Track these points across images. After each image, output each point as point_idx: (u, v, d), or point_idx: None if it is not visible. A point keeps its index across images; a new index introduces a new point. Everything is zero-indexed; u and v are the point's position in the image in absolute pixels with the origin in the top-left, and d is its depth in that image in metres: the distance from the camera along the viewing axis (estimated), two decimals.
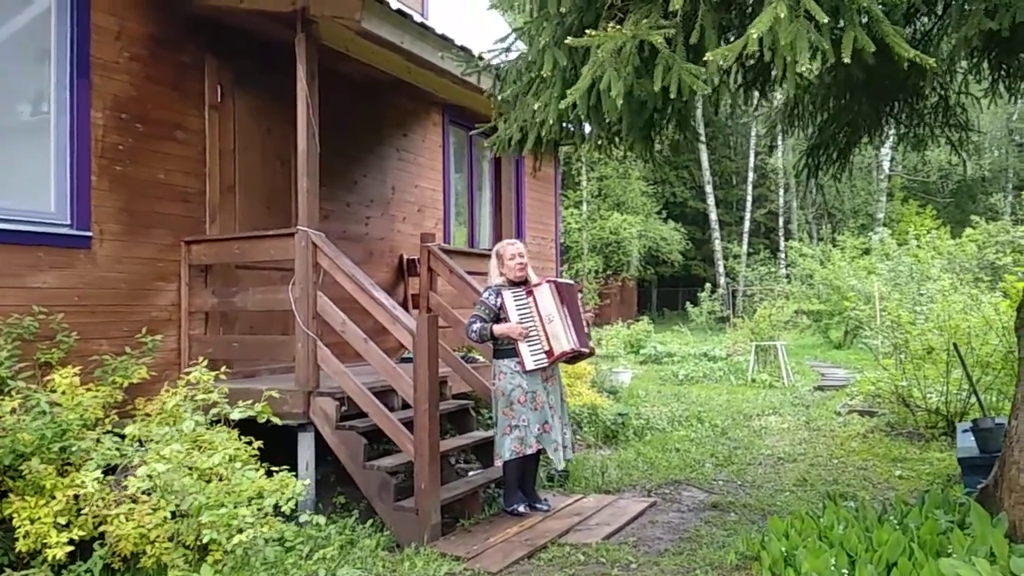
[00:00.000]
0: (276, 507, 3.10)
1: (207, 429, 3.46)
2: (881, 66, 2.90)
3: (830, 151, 4.65)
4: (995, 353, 6.69)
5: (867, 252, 19.49)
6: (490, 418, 6.40)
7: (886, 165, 29.75)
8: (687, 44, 2.07)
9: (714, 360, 13.61)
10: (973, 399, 6.80)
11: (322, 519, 3.27)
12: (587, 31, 2.16)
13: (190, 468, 3.14)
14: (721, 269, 30.63)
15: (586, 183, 28.99)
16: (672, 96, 2.08)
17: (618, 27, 2.11)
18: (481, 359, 6.34)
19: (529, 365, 4.65)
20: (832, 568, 3.11)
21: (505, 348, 4.74)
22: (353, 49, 5.26)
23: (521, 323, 4.66)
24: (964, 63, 4.92)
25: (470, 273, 6.21)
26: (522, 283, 4.89)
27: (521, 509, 4.79)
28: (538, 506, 4.93)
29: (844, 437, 7.25)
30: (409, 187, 7.57)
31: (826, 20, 1.81)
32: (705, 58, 1.95)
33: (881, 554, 3.21)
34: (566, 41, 2.19)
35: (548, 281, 4.87)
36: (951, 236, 19.18)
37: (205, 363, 4.07)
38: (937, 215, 29.32)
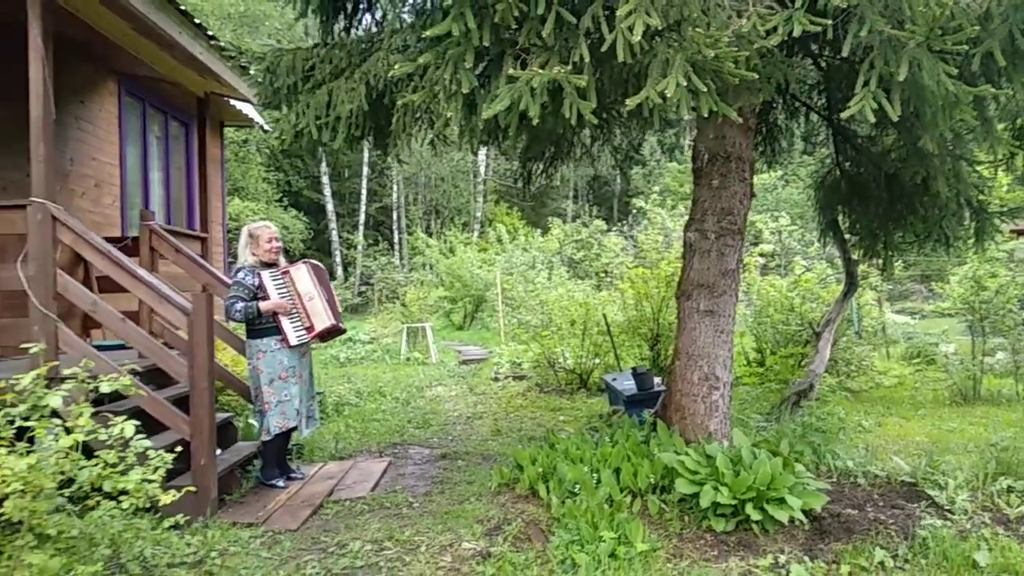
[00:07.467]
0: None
1: None
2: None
3: (538, 163, 5.83)
4: (613, 323, 8.78)
5: (482, 250, 22.30)
6: (222, 403, 6.35)
7: (482, 169, 33.95)
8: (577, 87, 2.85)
9: (362, 343, 14.43)
10: (598, 360, 8.83)
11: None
12: (510, 71, 2.79)
13: None
14: (339, 259, 31.60)
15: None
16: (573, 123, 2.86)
17: (535, 68, 2.78)
18: None
19: (293, 340, 4.94)
20: (586, 474, 4.22)
21: (264, 327, 4.94)
22: (83, 10, 4.84)
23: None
24: None
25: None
26: (271, 265, 5.12)
27: (280, 483, 5.04)
28: (293, 475, 5.23)
29: (508, 397, 8.74)
30: (87, 160, 6.90)
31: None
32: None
33: (610, 462, 4.44)
34: (510, 71, 2.76)
35: (304, 262, 5.19)
36: (540, 235, 23.06)
37: None
38: (522, 216, 34.52)
